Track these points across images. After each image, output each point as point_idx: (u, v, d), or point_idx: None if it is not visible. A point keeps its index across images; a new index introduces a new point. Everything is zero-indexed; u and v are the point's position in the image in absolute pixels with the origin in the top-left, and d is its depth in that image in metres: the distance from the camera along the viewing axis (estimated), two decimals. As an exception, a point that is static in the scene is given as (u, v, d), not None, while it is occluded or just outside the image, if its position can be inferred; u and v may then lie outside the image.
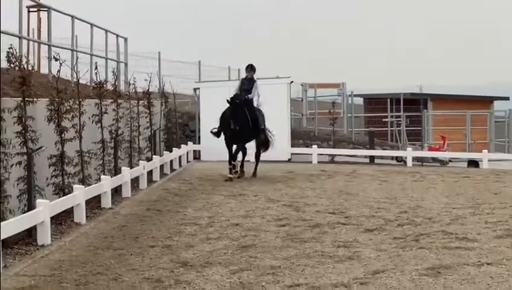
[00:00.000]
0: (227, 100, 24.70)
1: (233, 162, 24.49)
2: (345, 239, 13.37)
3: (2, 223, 11.34)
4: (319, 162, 31.54)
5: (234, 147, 24.48)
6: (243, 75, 38.92)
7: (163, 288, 10.04)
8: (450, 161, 34.32)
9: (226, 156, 30.88)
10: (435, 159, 34.52)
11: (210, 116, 32.06)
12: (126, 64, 31.26)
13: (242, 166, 25.78)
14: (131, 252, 12.21)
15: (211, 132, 26.40)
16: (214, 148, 31.12)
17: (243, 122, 23.53)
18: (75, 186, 15.62)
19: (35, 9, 24.58)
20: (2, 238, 11.20)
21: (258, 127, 25.50)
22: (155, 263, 11.48)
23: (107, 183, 17.61)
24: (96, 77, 20.65)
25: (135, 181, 21.07)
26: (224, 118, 24.67)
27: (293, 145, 33.39)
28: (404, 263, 11.44)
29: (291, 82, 35.16)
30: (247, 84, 24.30)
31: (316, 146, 33.14)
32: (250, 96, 25.69)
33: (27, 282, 10.41)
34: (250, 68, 24.74)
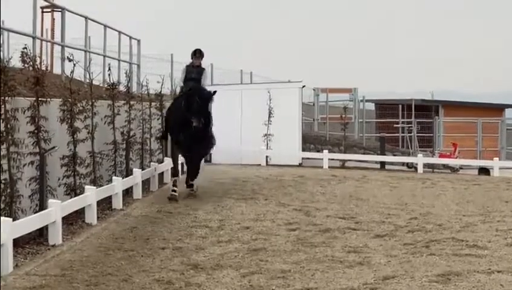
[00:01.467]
0: (183, 90, 20.34)
1: (175, 178, 19.68)
2: (355, 244, 13.37)
3: (14, 222, 11.38)
4: (329, 167, 31.54)
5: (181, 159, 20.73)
6: (234, 77, 38.97)
7: (174, 290, 10.06)
8: (461, 168, 34.30)
9: (236, 159, 31.03)
10: (445, 166, 34.48)
11: (221, 120, 32.17)
12: (139, 66, 31.24)
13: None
14: (142, 254, 12.23)
15: (157, 137, 24.23)
16: (225, 151, 31.18)
17: (206, 119, 18.73)
18: (86, 187, 15.65)
19: (49, 10, 24.61)
20: (14, 237, 11.25)
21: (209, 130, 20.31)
22: (165, 264, 11.50)
23: (118, 185, 17.65)
24: (109, 78, 20.72)
25: (146, 183, 21.12)
26: (177, 117, 19.55)
27: (304, 150, 33.44)
28: (414, 269, 11.44)
29: (303, 86, 35.10)
30: (195, 72, 19.50)
31: (326, 151, 33.10)
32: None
33: (38, 281, 10.43)
34: (199, 53, 19.96)
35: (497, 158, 33.85)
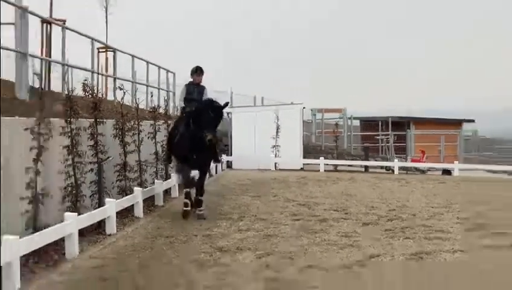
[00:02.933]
0: (188, 111, 15.55)
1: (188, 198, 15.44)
2: (346, 231, 13.36)
3: (78, 217, 11.45)
4: (325, 170, 31.47)
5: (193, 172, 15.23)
6: (250, 100, 38.61)
7: (205, 268, 10.08)
8: (428, 170, 34.21)
9: (253, 165, 31.06)
10: (416, 169, 34.42)
11: (240, 134, 32.33)
12: (174, 93, 31.34)
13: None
14: (179, 240, 12.24)
15: (162, 160, 19.19)
16: (242, 158, 31.30)
17: (212, 130, 14.78)
18: (135, 188, 15.69)
19: (104, 50, 24.76)
20: (79, 228, 11.33)
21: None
22: (198, 248, 11.52)
23: (159, 187, 17.65)
24: (151, 103, 20.80)
25: (181, 185, 21.12)
26: (185, 138, 15.25)
27: (304, 157, 33.33)
28: (393, 249, 11.46)
29: (304, 108, 35.15)
30: (197, 92, 15.53)
31: (322, 158, 33.02)
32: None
33: (98, 263, 10.48)
34: (200, 71, 15.76)
35: (457, 162, 33.84)
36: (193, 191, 15.38)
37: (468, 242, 12.18)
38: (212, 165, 22.59)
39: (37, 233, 10.21)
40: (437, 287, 8.98)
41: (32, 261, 10.10)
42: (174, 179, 18.67)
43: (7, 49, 14.50)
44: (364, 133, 47.76)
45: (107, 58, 24.99)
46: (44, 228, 10.53)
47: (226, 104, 15.22)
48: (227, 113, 34.47)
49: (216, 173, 27.59)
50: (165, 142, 18.28)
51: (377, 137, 45.81)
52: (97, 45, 22.14)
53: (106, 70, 24.42)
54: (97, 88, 16.69)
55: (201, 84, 15.82)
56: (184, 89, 16.04)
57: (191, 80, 15.86)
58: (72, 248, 10.94)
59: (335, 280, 9.33)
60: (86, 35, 20.14)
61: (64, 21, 20.29)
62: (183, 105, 16.00)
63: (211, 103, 14.76)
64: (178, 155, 15.94)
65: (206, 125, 14.32)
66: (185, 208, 15.04)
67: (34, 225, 10.77)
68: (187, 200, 15.13)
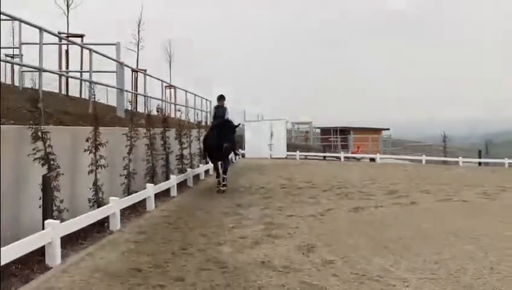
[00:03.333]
0: (215, 124, 14.81)
1: (219, 178, 14.73)
2: (313, 194, 13.39)
3: (154, 186, 11.50)
4: (299, 159, 31.52)
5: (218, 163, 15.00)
6: (256, 116, 38.82)
7: (228, 216, 10.10)
8: (361, 158, 34.23)
9: (258, 155, 31.30)
10: (354, 158, 34.46)
11: (250, 137, 32.43)
12: (210, 112, 31.28)
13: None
14: (208, 201, 12.28)
15: (199, 156, 18.65)
16: (252, 152, 31.36)
17: (228, 140, 14.09)
18: (188, 169, 15.76)
19: (169, 87, 24.76)
20: (154, 193, 11.37)
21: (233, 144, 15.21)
22: (223, 204, 11.57)
23: (202, 168, 17.69)
24: (197, 118, 20.99)
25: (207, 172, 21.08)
26: (213, 142, 14.32)
27: (288, 151, 33.31)
28: (341, 205, 11.49)
29: (287, 121, 35.27)
30: (221, 111, 14.77)
31: (298, 151, 33.05)
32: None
33: (166, 213, 10.52)
34: (223, 98, 15.03)
35: (379, 154, 33.87)
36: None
37: (385, 201, 12.24)
38: (232, 156, 22.76)
39: (130, 196, 10.30)
40: (366, 224, 9.04)
41: (127, 213, 10.18)
42: (208, 167, 18.65)
43: (113, 87, 14.59)
44: (323, 137, 47.75)
45: (170, 91, 25.02)
46: (135, 193, 10.63)
47: (238, 125, 14.84)
48: (243, 125, 34.52)
49: (236, 160, 27.64)
50: (202, 145, 17.03)
51: (330, 139, 45.82)
52: (165, 84, 22.19)
53: (170, 99, 24.42)
54: (165, 110, 16.75)
55: (225, 106, 14.80)
56: (213, 110, 15.38)
57: (217, 104, 14.95)
58: (151, 204, 11.01)
59: (307, 223, 9.38)
60: (158, 79, 20.18)
61: (145, 70, 20.36)
62: (212, 120, 15.51)
63: (227, 122, 14.13)
64: (209, 154, 15.00)
65: (224, 137, 13.65)
66: (217, 186, 14.36)
67: (128, 191, 10.85)
68: (219, 179, 14.40)
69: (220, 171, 14.50)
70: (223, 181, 14.18)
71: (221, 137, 13.70)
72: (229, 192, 13.83)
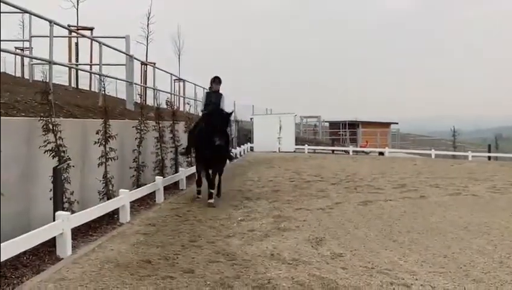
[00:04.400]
0: (205, 112, 11.17)
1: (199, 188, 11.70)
2: (321, 188, 13.39)
3: (163, 179, 11.54)
4: (308, 152, 31.49)
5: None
6: (264, 110, 38.80)
7: (237, 209, 10.11)
8: (370, 152, 34.16)
9: (267, 148, 31.32)
10: (363, 152, 34.39)
11: (258, 130, 32.41)
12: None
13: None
14: (223, 192, 12.27)
15: (180, 153, 14.01)
16: (260, 145, 31.39)
17: (226, 137, 10.87)
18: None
19: (177, 80, 24.82)
20: (163, 185, 11.41)
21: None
22: (233, 198, 11.57)
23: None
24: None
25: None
26: (201, 137, 10.87)
27: (296, 144, 33.28)
28: (350, 199, 11.49)
29: (295, 115, 35.17)
30: (215, 97, 11.55)
31: (307, 145, 33.04)
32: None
33: (175, 205, 10.54)
34: (218, 81, 11.71)
35: (387, 148, 33.76)
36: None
37: (393, 194, 12.22)
38: (244, 148, 22.42)
39: (139, 188, 10.35)
40: (375, 217, 9.04)
41: (137, 205, 10.23)
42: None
43: (122, 80, 14.64)
44: (332, 130, 47.71)
45: (179, 85, 25.08)
46: (144, 185, 10.67)
47: (231, 113, 10.91)
48: (250, 118, 34.50)
49: (244, 154, 27.64)
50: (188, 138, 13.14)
51: (339, 132, 45.77)
52: (174, 77, 22.25)
53: (179, 92, 24.49)
54: (174, 103, 16.81)
55: (220, 92, 11.29)
56: (205, 95, 11.73)
57: (211, 87, 11.38)
58: (160, 197, 11.05)
59: (315, 216, 9.39)
60: (166, 71, 20.21)
61: (154, 63, 20.43)
62: (202, 109, 11.57)
63: (220, 111, 10.67)
64: (197, 147, 11.38)
65: (217, 131, 10.15)
66: (198, 195, 11.45)
67: (138, 184, 10.89)
68: (199, 189, 11.45)
69: (203, 176, 11.28)
70: (212, 190, 10.67)
71: (215, 131, 10.15)
72: (237, 186, 13.83)
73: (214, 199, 10.64)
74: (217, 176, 11.14)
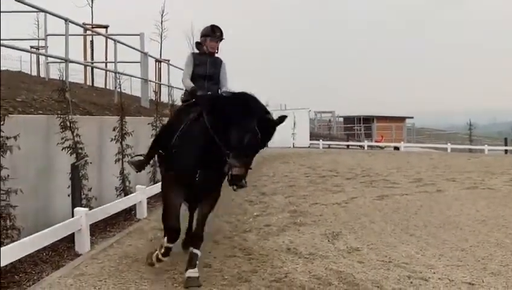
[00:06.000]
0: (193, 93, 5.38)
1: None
2: (337, 183, 13.37)
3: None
4: (323, 148, 31.42)
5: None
6: (278, 106, 38.99)
7: (252, 204, 10.08)
8: (386, 147, 34.03)
9: (282, 144, 31.35)
10: (378, 146, 34.28)
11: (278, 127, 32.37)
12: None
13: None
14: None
15: (131, 163, 6.29)
16: (274, 140, 31.22)
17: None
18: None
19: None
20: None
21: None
22: (248, 193, 11.54)
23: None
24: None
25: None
26: (193, 142, 4.88)
27: (311, 139, 33.20)
28: (366, 193, 11.47)
29: (310, 110, 35.10)
30: (210, 65, 5.63)
31: (321, 140, 32.95)
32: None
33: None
34: (220, 33, 5.56)
35: (402, 142, 33.57)
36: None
37: (410, 189, 12.17)
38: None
39: (156, 184, 10.39)
40: (391, 211, 9.01)
41: (153, 201, 10.29)
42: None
43: (137, 77, 14.71)
44: (346, 125, 47.57)
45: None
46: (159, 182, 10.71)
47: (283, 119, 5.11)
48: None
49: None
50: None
51: (354, 128, 45.61)
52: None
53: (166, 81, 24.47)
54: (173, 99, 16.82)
55: (217, 55, 5.85)
56: (190, 59, 5.83)
57: (200, 45, 5.84)
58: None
59: (331, 211, 9.38)
60: (180, 68, 20.24)
61: (169, 60, 20.46)
62: (191, 85, 5.64)
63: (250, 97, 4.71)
64: (172, 157, 5.17)
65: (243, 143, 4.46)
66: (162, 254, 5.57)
67: (154, 180, 10.95)
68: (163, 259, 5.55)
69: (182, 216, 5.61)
70: (196, 249, 5.38)
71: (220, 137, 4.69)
72: (252, 181, 13.85)
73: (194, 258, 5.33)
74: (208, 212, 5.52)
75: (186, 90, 5.80)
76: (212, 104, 4.91)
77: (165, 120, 11.98)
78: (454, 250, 6.59)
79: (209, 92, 5.53)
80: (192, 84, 5.64)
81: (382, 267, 5.89)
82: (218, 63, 5.82)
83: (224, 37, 5.77)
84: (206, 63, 5.77)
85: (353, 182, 13.59)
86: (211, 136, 4.75)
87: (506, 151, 30.06)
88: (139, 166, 6.10)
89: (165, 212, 5.45)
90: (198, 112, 5.10)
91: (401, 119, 48.02)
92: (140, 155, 6.21)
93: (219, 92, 5.74)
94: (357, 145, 34.28)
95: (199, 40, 5.89)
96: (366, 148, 31.58)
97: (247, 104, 4.58)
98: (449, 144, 31.17)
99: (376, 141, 37.89)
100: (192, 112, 5.25)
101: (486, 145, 29.95)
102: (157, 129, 7.54)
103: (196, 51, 5.95)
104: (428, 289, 5.21)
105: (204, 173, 4.97)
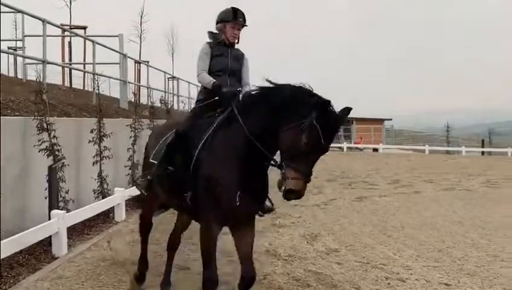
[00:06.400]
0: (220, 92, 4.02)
1: None
2: (316, 184, 13.38)
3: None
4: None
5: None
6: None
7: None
8: (364, 148, 34.29)
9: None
10: (357, 148, 34.52)
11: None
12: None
13: None
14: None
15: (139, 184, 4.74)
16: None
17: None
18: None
19: (171, 78, 24.73)
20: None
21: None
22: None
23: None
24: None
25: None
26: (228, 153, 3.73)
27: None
28: (345, 195, 11.56)
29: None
30: (233, 58, 4.36)
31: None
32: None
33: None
34: (243, 19, 4.31)
35: (381, 144, 33.88)
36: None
37: (388, 190, 12.29)
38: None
39: (135, 187, 10.33)
40: (370, 213, 9.09)
41: (132, 204, 10.21)
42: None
43: (116, 78, 14.61)
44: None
45: (173, 83, 25.01)
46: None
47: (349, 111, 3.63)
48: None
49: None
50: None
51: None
52: (168, 75, 22.20)
53: (173, 90, 24.41)
54: (167, 101, 16.78)
55: (237, 47, 4.53)
56: (207, 49, 4.40)
57: (218, 33, 4.47)
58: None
59: (310, 212, 9.43)
60: (159, 70, 20.18)
61: (148, 62, 20.39)
62: (212, 81, 4.26)
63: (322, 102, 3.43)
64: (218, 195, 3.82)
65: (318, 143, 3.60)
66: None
67: (133, 182, 10.86)
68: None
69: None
70: None
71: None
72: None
73: None
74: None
75: (203, 87, 4.42)
76: (249, 102, 3.82)
77: (144, 122, 11.99)
78: (431, 251, 6.67)
79: (238, 88, 4.28)
80: (212, 80, 4.29)
81: (360, 268, 5.94)
82: (240, 56, 4.55)
83: (247, 23, 4.50)
84: (227, 55, 4.45)
85: (332, 183, 13.67)
86: (252, 145, 3.71)
87: (482, 152, 30.53)
88: (147, 188, 4.72)
89: (205, 257, 4.21)
90: (227, 115, 3.93)
91: (380, 121, 48.46)
92: (146, 174, 4.72)
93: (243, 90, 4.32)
94: (336, 147, 34.51)
95: (213, 30, 4.55)
96: (345, 149, 31.77)
97: (298, 96, 3.49)
98: (427, 145, 31.55)
99: (355, 143, 38.14)
100: (216, 116, 4.09)
101: (463, 147, 30.38)
102: (152, 137, 5.37)
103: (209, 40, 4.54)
104: (405, 289, 5.27)
105: (246, 193, 3.81)
